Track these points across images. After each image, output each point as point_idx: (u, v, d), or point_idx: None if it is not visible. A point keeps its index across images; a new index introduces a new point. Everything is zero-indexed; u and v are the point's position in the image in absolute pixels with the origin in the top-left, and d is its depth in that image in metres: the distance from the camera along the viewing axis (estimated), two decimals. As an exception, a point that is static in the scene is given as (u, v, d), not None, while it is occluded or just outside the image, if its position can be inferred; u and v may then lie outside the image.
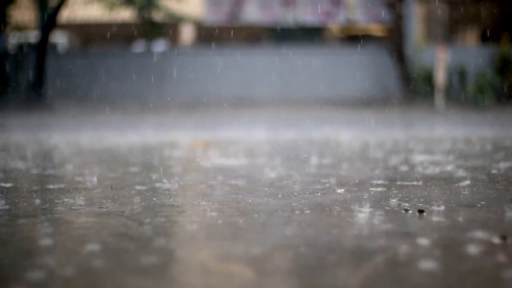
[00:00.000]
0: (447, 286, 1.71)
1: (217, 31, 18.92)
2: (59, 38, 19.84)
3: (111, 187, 3.47)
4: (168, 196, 3.18)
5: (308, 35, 17.48)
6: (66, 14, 16.71)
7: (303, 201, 3.00)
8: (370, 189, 3.35)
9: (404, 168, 4.26)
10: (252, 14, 16.76)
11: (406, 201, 2.97)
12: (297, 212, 2.73)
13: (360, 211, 2.74)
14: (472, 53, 15.84)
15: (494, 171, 4.03)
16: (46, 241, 2.24)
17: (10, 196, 3.23)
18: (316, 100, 15.41)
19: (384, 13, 16.21)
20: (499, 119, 10.74)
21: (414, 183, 3.54)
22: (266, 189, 3.39)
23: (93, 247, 2.15)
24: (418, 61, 15.16)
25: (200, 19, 17.83)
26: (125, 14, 18.30)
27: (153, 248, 2.13)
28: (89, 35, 19.74)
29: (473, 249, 2.08)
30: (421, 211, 2.71)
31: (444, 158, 4.85)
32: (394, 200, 2.99)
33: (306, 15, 16.80)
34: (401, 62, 15.15)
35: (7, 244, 2.21)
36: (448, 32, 18.59)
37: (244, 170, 4.22)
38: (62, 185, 3.58)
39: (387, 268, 1.86)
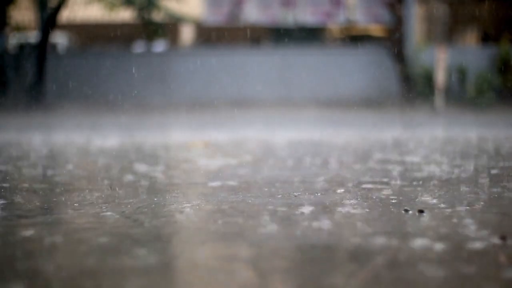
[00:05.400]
0: (447, 286, 1.71)
1: (217, 31, 18.90)
2: (59, 38, 19.83)
3: (110, 187, 3.47)
4: (168, 196, 3.18)
5: (308, 35, 17.46)
6: (66, 14, 16.69)
7: (303, 201, 3.00)
8: (370, 189, 3.35)
9: (404, 168, 4.26)
10: (252, 14, 16.75)
11: (406, 201, 2.97)
12: (297, 212, 2.73)
13: (360, 211, 2.74)
14: (472, 53, 15.82)
15: (494, 171, 4.03)
16: (46, 242, 2.24)
17: (9, 196, 3.23)
18: (316, 101, 15.40)
19: (384, 14, 16.21)
20: (499, 119, 10.74)
21: (414, 183, 3.54)
22: (266, 189, 3.39)
23: (93, 247, 2.15)
24: (418, 62, 15.15)
25: (200, 19, 17.82)
26: (125, 15, 18.29)
27: (153, 248, 2.13)
28: (89, 35, 19.72)
29: (473, 249, 2.08)
30: (421, 211, 2.71)
31: (444, 158, 4.85)
32: (394, 200, 2.99)
33: (306, 15, 16.79)
34: (401, 62, 15.14)
35: (7, 244, 2.21)
36: (448, 32, 18.58)
37: (244, 170, 4.22)
38: (62, 185, 3.58)
39: (387, 268, 1.86)
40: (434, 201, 2.98)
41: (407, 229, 2.38)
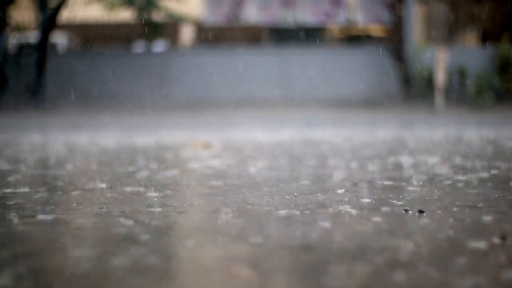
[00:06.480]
0: (447, 286, 1.71)
1: (217, 31, 18.91)
2: (59, 38, 19.83)
3: (111, 188, 3.47)
4: (168, 197, 3.18)
5: (308, 35, 17.46)
6: (66, 14, 16.69)
7: (303, 201, 3.00)
8: (370, 189, 3.35)
9: (403, 168, 4.26)
10: (252, 14, 16.75)
11: (406, 201, 2.97)
12: (297, 212, 2.73)
13: (360, 212, 2.74)
14: (472, 53, 15.83)
15: (493, 172, 4.03)
16: (46, 242, 2.24)
17: (9, 196, 3.23)
18: (315, 101, 15.40)
19: (384, 14, 16.21)
20: (499, 119, 10.74)
21: (414, 183, 3.54)
22: (266, 189, 3.39)
23: (93, 247, 2.15)
24: (418, 62, 15.15)
25: (200, 19, 17.82)
26: (125, 15, 18.28)
27: (153, 248, 2.13)
28: (89, 35, 19.73)
29: (473, 250, 2.08)
30: (421, 211, 2.71)
31: (444, 158, 4.85)
32: (394, 201, 2.99)
33: (306, 15, 16.79)
34: (401, 62, 15.14)
35: (7, 244, 2.21)
36: (448, 32, 18.58)
37: (244, 170, 4.22)
38: (62, 186, 3.58)
39: (387, 268, 1.86)
40: (434, 200, 2.98)
41: (407, 229, 2.38)
